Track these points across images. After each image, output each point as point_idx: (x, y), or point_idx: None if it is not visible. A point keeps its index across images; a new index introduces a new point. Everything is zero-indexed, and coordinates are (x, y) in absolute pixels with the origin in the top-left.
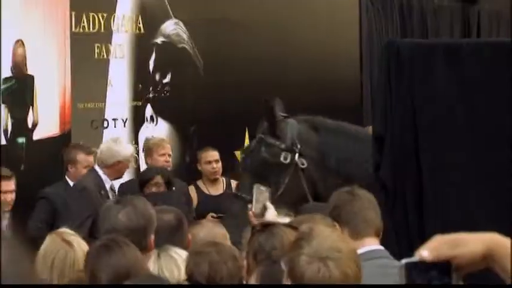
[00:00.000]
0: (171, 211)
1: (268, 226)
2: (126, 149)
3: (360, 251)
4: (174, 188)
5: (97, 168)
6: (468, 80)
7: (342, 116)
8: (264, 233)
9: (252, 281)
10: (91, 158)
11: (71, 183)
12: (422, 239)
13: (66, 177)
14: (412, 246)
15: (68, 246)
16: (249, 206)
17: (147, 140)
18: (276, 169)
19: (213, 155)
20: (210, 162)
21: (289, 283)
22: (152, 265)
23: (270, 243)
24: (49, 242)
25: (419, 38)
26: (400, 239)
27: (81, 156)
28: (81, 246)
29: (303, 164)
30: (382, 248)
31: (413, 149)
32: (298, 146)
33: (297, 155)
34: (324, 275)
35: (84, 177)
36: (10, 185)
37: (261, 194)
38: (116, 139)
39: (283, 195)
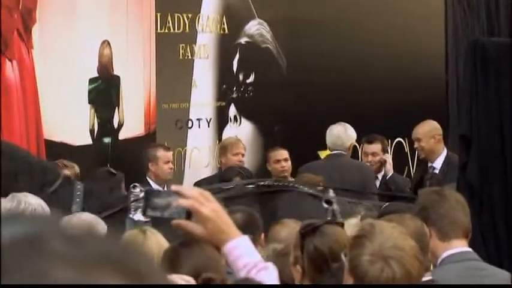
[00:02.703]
0: (240, 210)
1: (316, 227)
2: None
3: (448, 253)
4: None
5: None
6: None
7: (428, 114)
8: (316, 235)
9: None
10: (170, 154)
11: (153, 184)
12: (510, 240)
13: (147, 178)
14: (499, 247)
15: (142, 234)
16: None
17: (223, 140)
18: None
19: (282, 153)
20: (279, 161)
21: (351, 281)
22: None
23: (326, 245)
24: (128, 232)
25: (506, 36)
26: (486, 240)
27: (161, 152)
28: (157, 239)
29: None
30: (470, 250)
31: (500, 151)
32: None
33: None
34: (387, 274)
35: None
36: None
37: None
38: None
39: None
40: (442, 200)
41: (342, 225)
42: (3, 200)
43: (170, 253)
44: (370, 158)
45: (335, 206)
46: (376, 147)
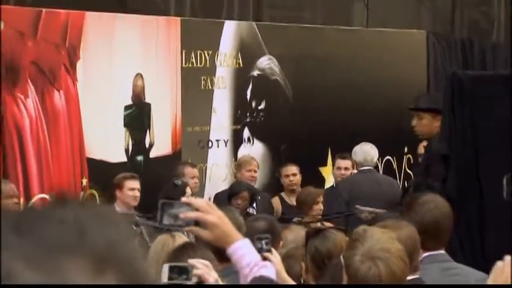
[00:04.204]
0: (263, 219)
1: (320, 231)
2: None
3: (425, 254)
4: (256, 202)
5: None
6: None
7: (412, 136)
8: (318, 237)
9: (311, 281)
10: (195, 171)
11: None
12: (483, 252)
13: None
14: (475, 256)
15: (171, 238)
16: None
17: (239, 158)
18: None
19: (291, 169)
20: (287, 175)
21: (346, 278)
22: None
23: (325, 246)
24: (159, 236)
25: (479, 70)
26: (463, 249)
27: (188, 169)
28: (183, 240)
29: None
30: (443, 252)
31: (475, 171)
32: None
33: None
34: (374, 273)
35: None
36: (136, 184)
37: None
38: None
39: None
40: (428, 213)
41: (345, 232)
42: None
43: (173, 254)
44: (343, 171)
45: (143, 228)
46: (348, 163)
